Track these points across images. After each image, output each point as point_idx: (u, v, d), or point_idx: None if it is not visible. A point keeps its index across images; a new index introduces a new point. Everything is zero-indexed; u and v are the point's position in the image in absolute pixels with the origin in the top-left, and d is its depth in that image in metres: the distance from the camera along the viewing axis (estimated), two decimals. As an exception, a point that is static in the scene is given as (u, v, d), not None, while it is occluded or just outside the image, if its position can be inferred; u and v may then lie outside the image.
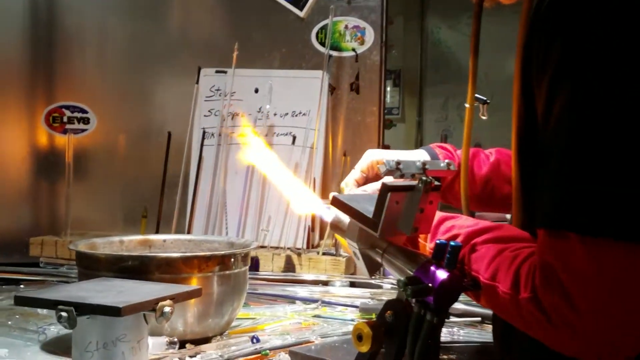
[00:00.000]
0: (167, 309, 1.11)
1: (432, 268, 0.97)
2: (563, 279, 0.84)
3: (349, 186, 1.30)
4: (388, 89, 5.45)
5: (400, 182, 1.07)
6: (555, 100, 0.86)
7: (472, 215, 1.47)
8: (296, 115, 2.19)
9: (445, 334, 1.50)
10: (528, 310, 0.89)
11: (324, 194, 2.09)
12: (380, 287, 1.96)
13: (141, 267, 1.36)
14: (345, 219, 1.13)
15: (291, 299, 1.84)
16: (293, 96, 2.20)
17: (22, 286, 1.93)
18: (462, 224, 1.05)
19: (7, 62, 2.33)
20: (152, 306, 1.10)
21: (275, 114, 2.21)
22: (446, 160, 1.10)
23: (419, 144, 5.35)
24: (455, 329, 1.54)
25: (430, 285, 0.96)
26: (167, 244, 1.65)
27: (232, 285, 1.45)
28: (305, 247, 2.09)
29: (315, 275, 1.98)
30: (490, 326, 1.44)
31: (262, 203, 2.17)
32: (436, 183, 1.02)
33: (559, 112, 0.86)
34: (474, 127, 1.24)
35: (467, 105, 1.24)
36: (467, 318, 1.60)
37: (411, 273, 1.02)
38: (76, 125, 2.35)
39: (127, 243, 1.61)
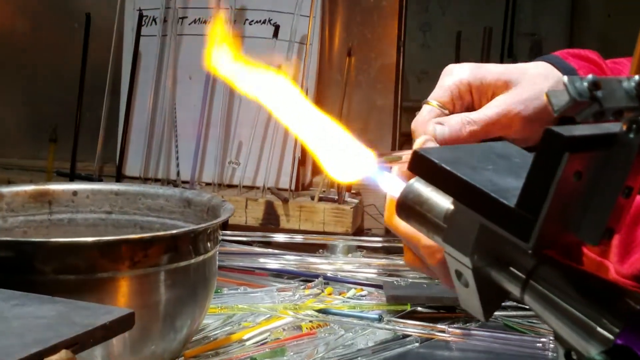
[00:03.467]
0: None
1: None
2: None
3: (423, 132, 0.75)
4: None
5: (584, 128, 0.52)
6: None
7: None
8: (279, -6, 1.58)
9: None
10: None
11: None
12: (401, 250, 1.41)
13: (21, 262, 0.78)
14: (439, 201, 0.58)
15: (277, 273, 1.29)
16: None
17: None
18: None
19: None
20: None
21: (247, -9, 1.59)
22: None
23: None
24: None
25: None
26: (79, 200, 1.06)
27: (191, 285, 0.88)
28: (293, 188, 1.52)
29: (299, 240, 1.41)
30: None
31: (229, 122, 1.58)
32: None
33: None
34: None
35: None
36: None
37: (603, 332, 0.49)
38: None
39: (10, 198, 1.02)
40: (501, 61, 2.65)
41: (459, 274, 0.56)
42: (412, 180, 0.60)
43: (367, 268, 1.30)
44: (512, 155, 0.59)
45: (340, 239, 1.40)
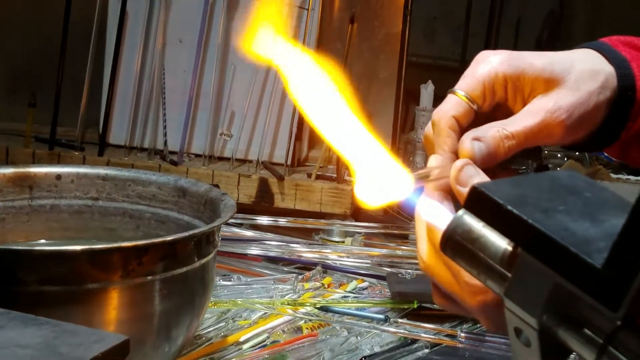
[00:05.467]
0: None
1: None
2: None
3: (441, 131, 0.65)
4: None
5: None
6: None
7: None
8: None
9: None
10: None
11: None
12: (406, 237, 1.34)
13: (1, 272, 0.69)
14: (495, 239, 0.50)
15: (273, 260, 1.22)
16: None
17: None
18: None
19: None
20: None
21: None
22: None
23: None
24: None
25: None
26: (63, 184, 0.97)
27: (189, 292, 0.80)
28: (289, 163, 1.43)
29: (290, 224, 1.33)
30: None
31: (221, 91, 1.48)
32: None
33: None
34: None
35: None
36: None
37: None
38: None
39: (-13, 183, 0.93)
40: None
41: (518, 331, 0.49)
42: (461, 212, 0.52)
43: (368, 257, 1.23)
44: (581, 189, 0.51)
45: (339, 223, 1.33)
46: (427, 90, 1.50)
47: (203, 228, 0.77)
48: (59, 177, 0.97)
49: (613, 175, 1.48)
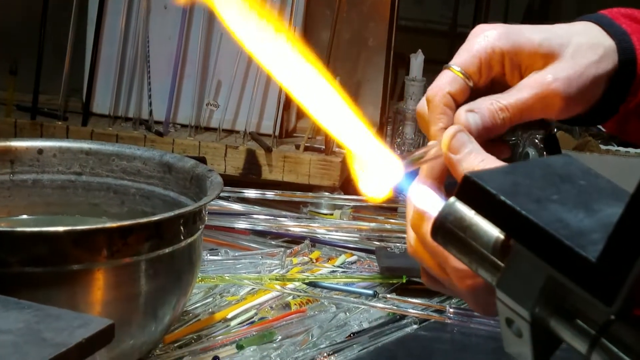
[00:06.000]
0: None
1: None
2: None
3: (434, 107, 0.63)
4: None
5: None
6: None
7: None
8: None
9: None
10: None
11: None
12: (394, 210, 1.33)
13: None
14: (487, 227, 0.49)
15: (261, 233, 1.21)
16: None
17: None
18: None
19: None
20: None
21: None
22: None
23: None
24: None
25: None
26: (45, 159, 0.95)
27: (175, 272, 0.79)
28: (277, 134, 1.42)
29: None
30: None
31: (208, 59, 1.45)
32: None
33: None
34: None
35: None
36: None
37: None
38: None
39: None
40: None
41: (509, 321, 0.48)
42: (453, 199, 0.51)
43: (356, 231, 1.22)
44: (576, 176, 0.50)
45: (327, 196, 1.31)
46: (416, 60, 1.48)
47: (189, 207, 0.76)
48: (40, 151, 0.95)
49: (602, 147, 1.47)
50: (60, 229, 0.68)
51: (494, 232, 0.49)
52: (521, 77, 0.64)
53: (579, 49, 0.63)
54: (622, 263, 0.41)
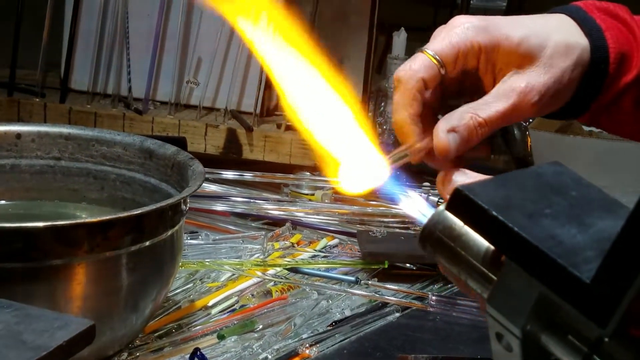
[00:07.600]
0: None
1: None
2: None
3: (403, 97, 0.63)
4: None
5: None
6: None
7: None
8: None
9: None
10: None
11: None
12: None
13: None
14: (477, 237, 0.49)
15: (242, 215, 1.20)
16: None
17: None
18: None
19: None
20: None
21: None
22: None
23: None
24: None
25: None
26: (23, 143, 0.93)
27: (157, 264, 0.78)
28: (258, 112, 1.40)
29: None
30: None
31: (188, 35, 1.43)
32: None
33: None
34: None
35: None
36: None
37: None
38: None
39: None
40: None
41: (499, 336, 0.48)
42: (442, 207, 0.51)
43: (337, 215, 1.21)
44: (567, 186, 0.50)
45: (308, 178, 1.30)
46: (399, 38, 1.47)
47: (170, 200, 0.75)
48: (18, 135, 0.93)
49: (585, 128, 1.47)
50: (40, 225, 0.67)
51: (484, 242, 0.48)
52: (494, 73, 0.65)
53: (556, 52, 0.64)
54: (618, 284, 0.40)
